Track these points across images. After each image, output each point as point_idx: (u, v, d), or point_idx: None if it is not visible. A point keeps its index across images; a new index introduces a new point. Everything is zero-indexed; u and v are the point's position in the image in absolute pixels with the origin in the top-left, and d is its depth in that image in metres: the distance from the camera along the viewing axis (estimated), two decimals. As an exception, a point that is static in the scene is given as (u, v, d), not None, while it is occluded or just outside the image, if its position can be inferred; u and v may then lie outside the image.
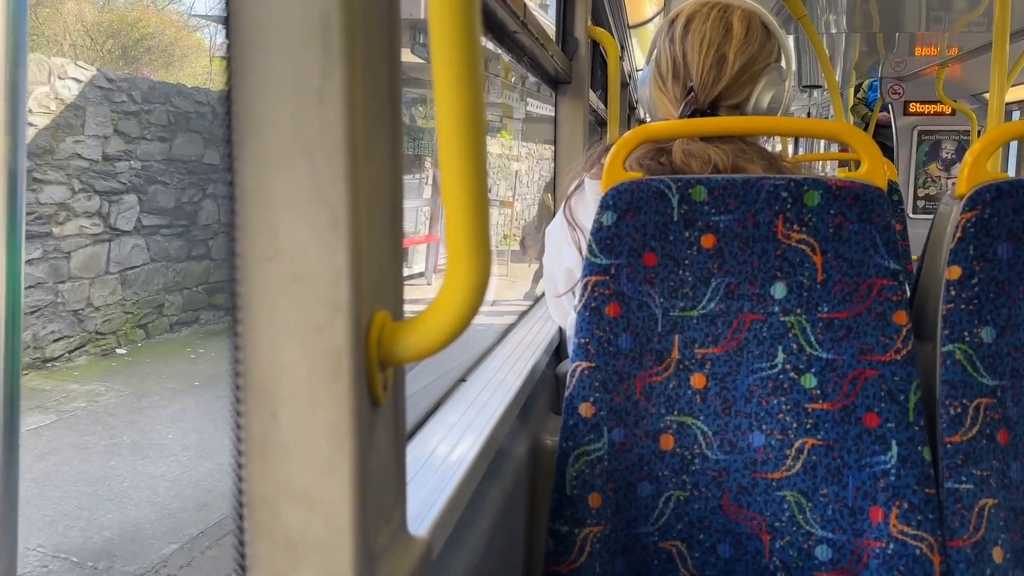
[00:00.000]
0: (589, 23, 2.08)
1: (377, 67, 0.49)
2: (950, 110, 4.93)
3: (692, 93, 1.27)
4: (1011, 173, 6.65)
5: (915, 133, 5.22)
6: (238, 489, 0.46)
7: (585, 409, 1.08)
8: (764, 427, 1.08)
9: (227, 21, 0.45)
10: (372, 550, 0.49)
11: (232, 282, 0.46)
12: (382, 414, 0.51)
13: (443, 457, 0.83)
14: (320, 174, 0.45)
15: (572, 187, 1.32)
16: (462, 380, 1.12)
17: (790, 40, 3.78)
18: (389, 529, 0.52)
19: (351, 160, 0.46)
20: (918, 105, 5.17)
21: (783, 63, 1.29)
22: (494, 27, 1.43)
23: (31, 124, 5.57)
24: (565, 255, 1.29)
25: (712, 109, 1.28)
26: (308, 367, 0.46)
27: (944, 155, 5.23)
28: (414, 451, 0.84)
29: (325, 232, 0.46)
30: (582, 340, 1.09)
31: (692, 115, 1.26)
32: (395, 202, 0.53)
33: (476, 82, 0.46)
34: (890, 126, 5.27)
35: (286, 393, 0.46)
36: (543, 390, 1.32)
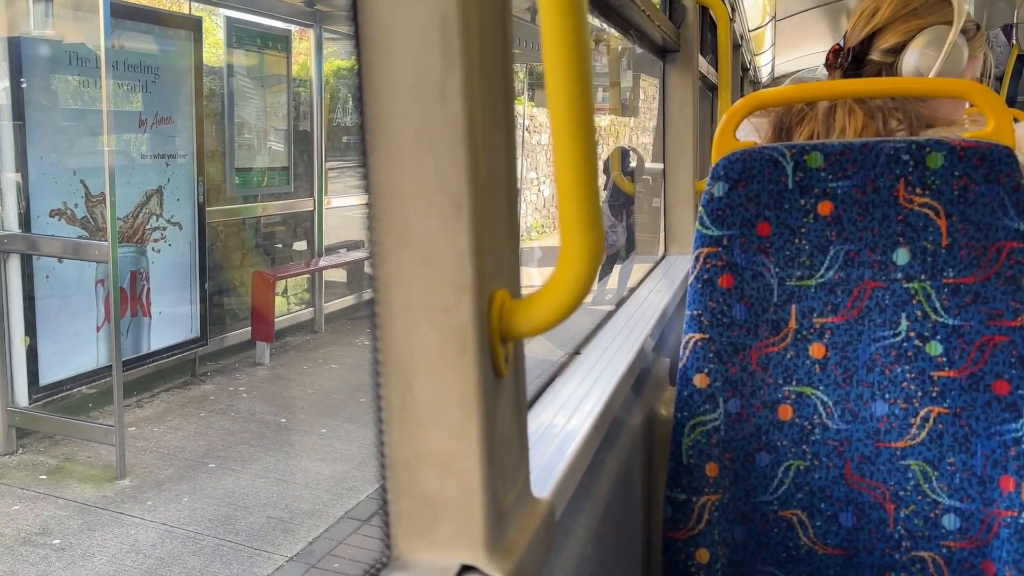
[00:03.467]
0: (697, -12, 2.05)
1: (492, 64, 0.53)
2: (1099, 54, 4.53)
3: (841, 40, 1.30)
4: None
5: (1058, 81, 4.82)
6: (381, 453, 0.52)
7: (700, 380, 1.09)
8: (887, 396, 1.07)
9: (356, 30, 0.50)
10: (501, 509, 0.53)
11: (371, 266, 0.51)
12: (505, 385, 0.56)
13: (561, 426, 0.87)
14: (443, 166, 0.50)
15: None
16: (576, 353, 1.15)
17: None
18: (515, 491, 0.57)
19: (471, 152, 0.49)
20: (1062, 50, 4.77)
21: (953, 32, 1.25)
22: (599, 2, 1.44)
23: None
24: None
25: (862, 54, 1.28)
26: (438, 343, 0.51)
27: (1093, 103, 4.81)
28: (534, 419, 0.89)
29: (449, 218, 0.50)
30: (695, 312, 1.10)
31: (837, 60, 1.28)
32: (511, 188, 0.57)
33: (585, 74, 0.49)
34: None
35: (420, 366, 0.51)
36: (657, 361, 1.34)
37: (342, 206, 7.06)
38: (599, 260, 0.54)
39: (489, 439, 0.52)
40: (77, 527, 3.52)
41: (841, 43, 1.32)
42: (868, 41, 1.28)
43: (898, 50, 1.26)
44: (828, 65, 1.32)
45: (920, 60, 1.23)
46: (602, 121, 12.67)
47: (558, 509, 0.74)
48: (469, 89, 0.49)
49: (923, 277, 1.05)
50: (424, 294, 0.51)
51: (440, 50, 0.49)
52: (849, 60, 1.28)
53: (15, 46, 4.17)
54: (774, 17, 5.14)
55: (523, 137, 10.16)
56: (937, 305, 1.05)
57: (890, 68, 1.27)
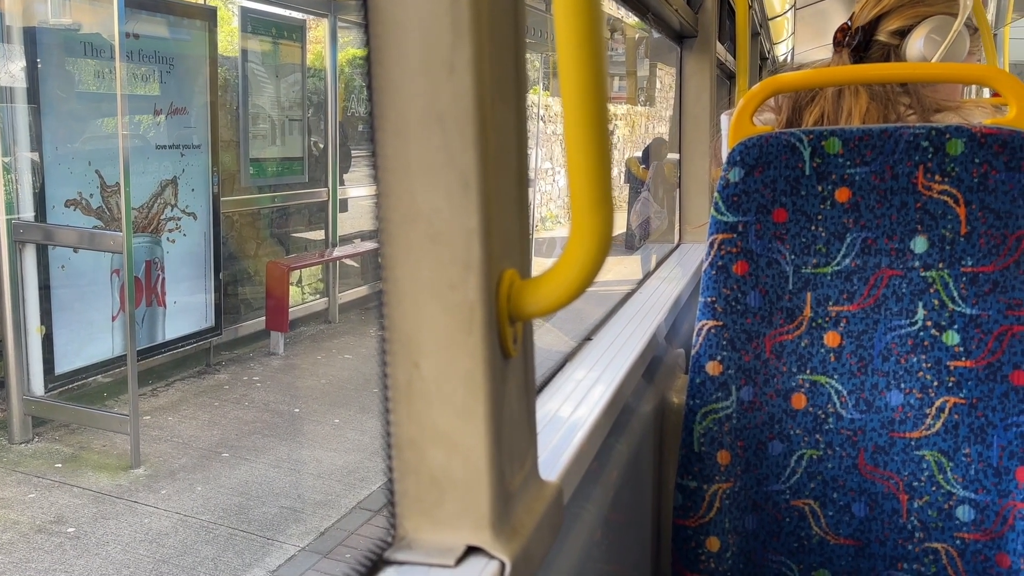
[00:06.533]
0: (715, -26, 2.03)
1: (503, 38, 0.52)
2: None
3: (849, 20, 1.30)
4: None
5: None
6: (387, 432, 0.51)
7: (712, 367, 1.08)
8: (903, 386, 1.06)
9: (364, 1, 0.49)
10: (508, 490, 0.53)
11: (378, 243, 0.50)
12: (513, 366, 0.55)
13: (570, 412, 0.86)
14: (451, 142, 0.49)
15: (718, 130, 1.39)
16: (587, 339, 1.14)
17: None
18: (523, 472, 0.56)
19: (479, 128, 0.49)
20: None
21: (958, 21, 1.26)
22: (615, -13, 1.43)
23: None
24: None
25: (869, 38, 1.28)
26: (445, 321, 0.50)
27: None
28: (542, 406, 0.88)
29: (457, 196, 0.49)
30: (708, 299, 1.09)
31: (845, 39, 1.29)
32: (521, 167, 0.56)
33: (598, 49, 0.48)
34: None
35: (426, 345, 0.50)
36: (669, 349, 1.33)
37: (357, 196, 7.07)
38: (609, 240, 0.53)
39: (496, 419, 0.51)
40: (91, 516, 3.55)
41: (849, 22, 1.31)
42: (875, 22, 1.28)
43: (903, 32, 1.27)
44: (836, 43, 1.32)
45: (925, 45, 1.24)
46: (618, 110, 12.61)
47: (566, 494, 0.74)
48: (479, 63, 0.48)
49: (941, 266, 1.04)
50: (431, 272, 0.50)
51: (450, 22, 0.48)
52: (857, 40, 1.28)
53: (31, 35, 4.19)
54: (794, 5, 5.10)
55: (538, 127, 10.13)
56: (955, 294, 1.03)
57: (896, 50, 1.27)
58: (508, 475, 0.53)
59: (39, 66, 4.21)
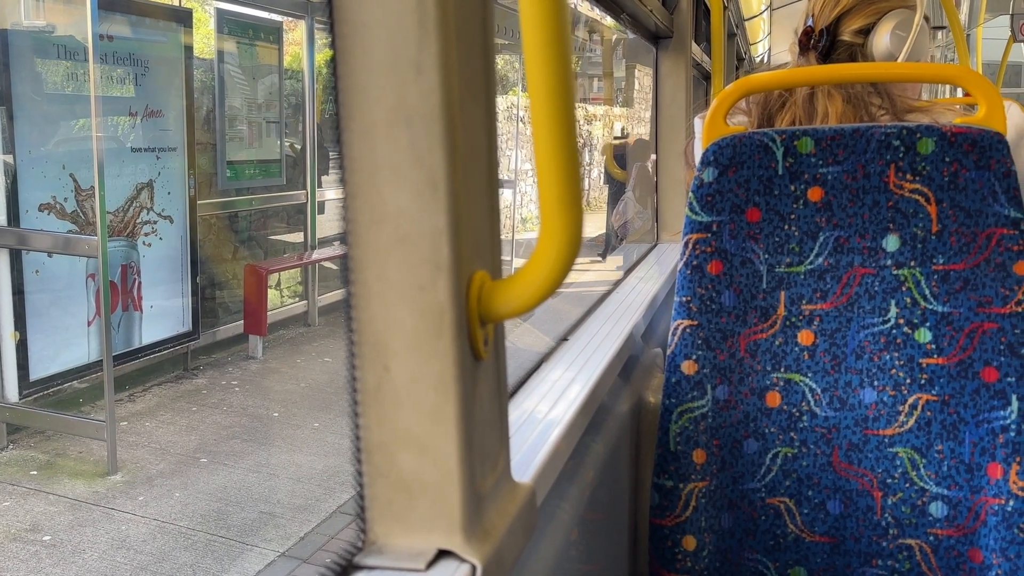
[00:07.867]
0: (690, -25, 2.04)
1: (471, 36, 0.52)
2: (1092, 44, 4.52)
3: (810, 21, 1.29)
4: None
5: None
6: (356, 435, 0.51)
7: (688, 367, 1.09)
8: (876, 383, 1.06)
9: (329, 2, 0.48)
10: (479, 492, 0.52)
11: (346, 245, 0.50)
12: (484, 368, 0.55)
13: (545, 412, 0.86)
14: (419, 141, 0.48)
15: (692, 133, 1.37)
16: (564, 339, 1.14)
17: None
18: (494, 475, 0.56)
19: (448, 127, 0.48)
20: (1055, 41, 4.77)
21: (918, 14, 1.26)
22: (588, -12, 1.43)
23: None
24: None
25: (833, 39, 1.28)
26: (414, 323, 0.50)
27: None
28: (517, 406, 0.88)
29: (426, 196, 0.49)
30: (683, 298, 1.09)
31: (809, 43, 1.28)
32: (491, 166, 0.56)
33: (565, 46, 0.47)
34: None
35: (396, 347, 0.50)
36: (646, 349, 1.33)
37: (336, 198, 7.03)
38: (579, 241, 0.53)
39: (467, 422, 0.51)
40: (68, 523, 3.50)
41: (811, 23, 1.31)
42: (836, 23, 1.28)
43: (866, 31, 1.27)
44: (802, 46, 1.31)
45: (892, 42, 1.24)
46: (596, 111, 12.64)
47: (541, 494, 0.73)
48: (446, 62, 0.48)
49: (913, 264, 1.05)
50: (400, 273, 0.50)
51: (416, 21, 0.47)
52: (823, 41, 1.28)
53: (2, 37, 4.13)
54: (770, 6, 5.13)
55: (518, 128, 10.14)
56: (927, 292, 1.04)
57: (861, 48, 1.27)
58: (479, 477, 0.53)
59: (11, 68, 4.15)
